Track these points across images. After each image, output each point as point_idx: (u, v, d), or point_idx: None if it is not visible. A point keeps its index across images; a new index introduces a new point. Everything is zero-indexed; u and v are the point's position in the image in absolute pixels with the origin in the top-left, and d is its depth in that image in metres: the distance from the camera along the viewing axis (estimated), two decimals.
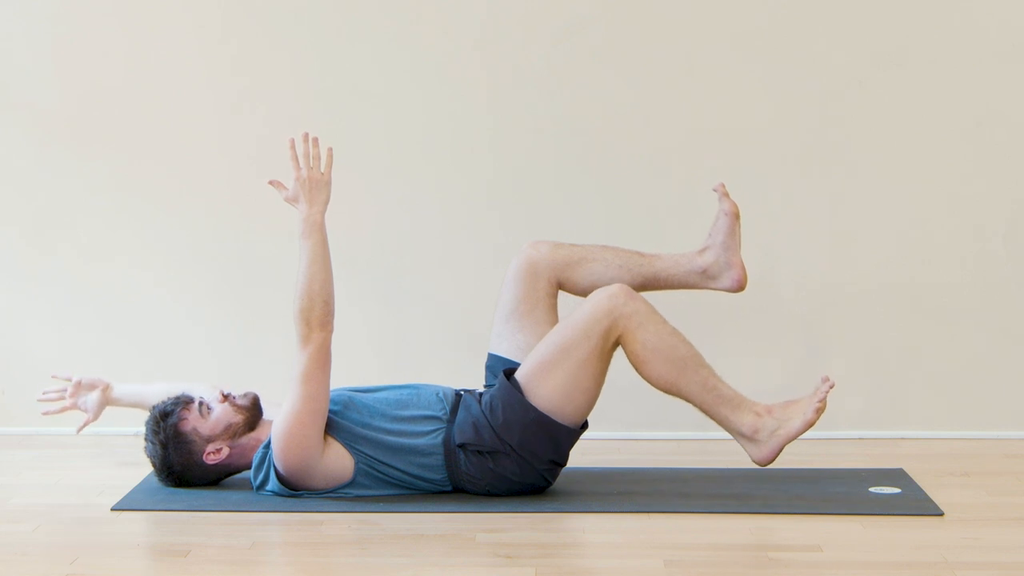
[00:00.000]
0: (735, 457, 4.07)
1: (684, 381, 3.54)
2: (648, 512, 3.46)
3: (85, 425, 4.00)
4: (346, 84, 4.40)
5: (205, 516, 3.46)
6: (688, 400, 3.57)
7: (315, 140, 3.61)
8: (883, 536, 3.27)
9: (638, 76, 4.37)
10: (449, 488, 3.60)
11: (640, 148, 4.38)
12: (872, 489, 3.66)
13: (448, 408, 3.61)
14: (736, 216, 3.68)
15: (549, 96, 4.38)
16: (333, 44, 4.39)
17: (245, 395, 3.68)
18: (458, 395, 3.65)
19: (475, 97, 4.40)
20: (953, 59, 4.33)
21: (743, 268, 3.69)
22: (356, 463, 3.56)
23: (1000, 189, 4.36)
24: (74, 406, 3.99)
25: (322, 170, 3.62)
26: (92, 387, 4.00)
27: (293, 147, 3.60)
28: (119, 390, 4.01)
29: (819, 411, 3.51)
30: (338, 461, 3.56)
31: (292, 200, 3.62)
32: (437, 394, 3.66)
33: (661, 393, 3.60)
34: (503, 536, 3.28)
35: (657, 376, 3.56)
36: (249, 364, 4.43)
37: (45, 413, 4.01)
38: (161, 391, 3.84)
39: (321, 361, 3.51)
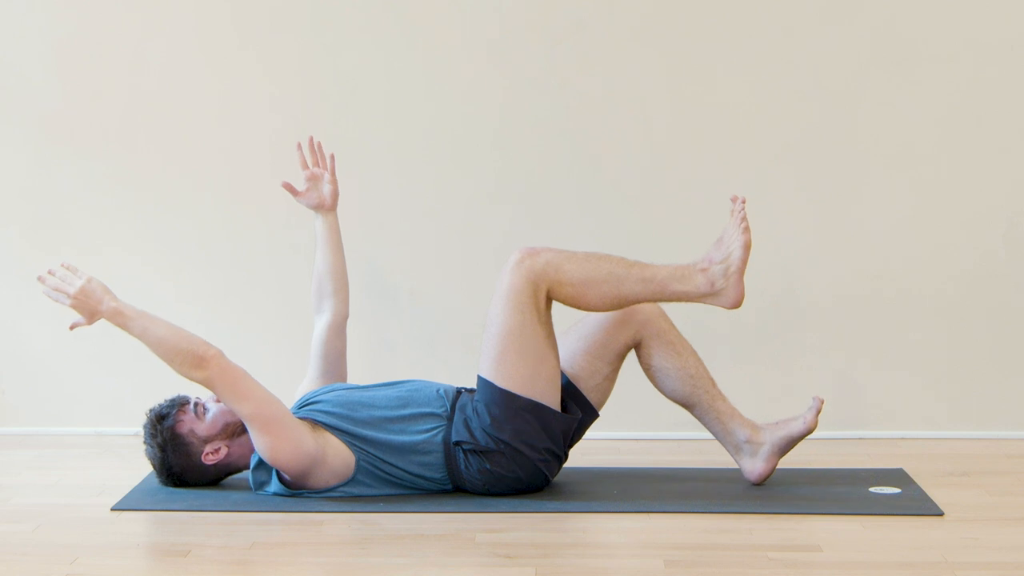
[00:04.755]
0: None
1: (625, 290, 3.52)
2: (648, 512, 3.46)
3: (295, 193, 3.94)
4: (347, 84, 4.39)
5: (205, 516, 3.46)
6: (638, 301, 3.56)
7: (64, 265, 3.51)
8: (883, 536, 3.27)
9: (638, 76, 4.36)
10: (449, 487, 3.60)
11: (640, 148, 4.38)
12: (872, 489, 3.66)
13: (448, 405, 3.61)
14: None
15: (549, 96, 4.38)
16: (335, 44, 4.39)
17: None
18: (459, 392, 3.65)
19: (476, 97, 4.39)
20: (953, 59, 4.33)
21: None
22: (357, 460, 3.56)
23: (1000, 189, 4.36)
24: (318, 178, 3.94)
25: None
26: (325, 196, 3.95)
27: (46, 281, 3.49)
28: (332, 224, 3.96)
29: (745, 230, 3.49)
30: (339, 458, 3.56)
31: (89, 319, 3.52)
32: (438, 391, 3.65)
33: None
34: (503, 536, 3.28)
35: (599, 301, 3.55)
36: (250, 363, 4.41)
37: (304, 168, 3.94)
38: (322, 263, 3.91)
39: (232, 377, 3.48)
